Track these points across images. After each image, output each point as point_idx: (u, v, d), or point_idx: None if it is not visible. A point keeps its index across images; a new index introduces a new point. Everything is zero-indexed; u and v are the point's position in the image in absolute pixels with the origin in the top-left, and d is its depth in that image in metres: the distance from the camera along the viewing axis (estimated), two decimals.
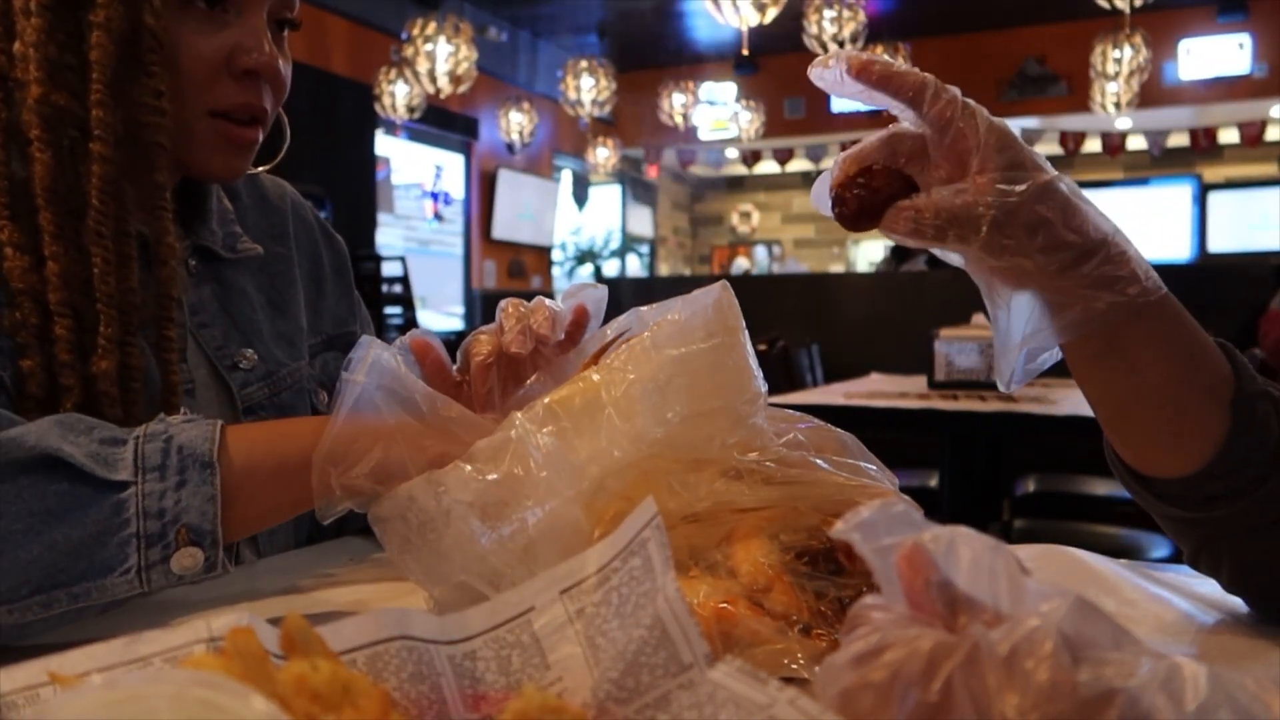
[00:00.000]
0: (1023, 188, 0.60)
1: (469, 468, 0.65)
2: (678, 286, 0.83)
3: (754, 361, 0.69)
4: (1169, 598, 0.73)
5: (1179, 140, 10.09)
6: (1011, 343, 0.65)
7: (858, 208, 0.64)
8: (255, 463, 0.72)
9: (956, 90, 0.63)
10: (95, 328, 0.81)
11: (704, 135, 10.48)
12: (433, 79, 6.45)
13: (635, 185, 12.10)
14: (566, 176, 10.99)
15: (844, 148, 0.67)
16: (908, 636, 0.33)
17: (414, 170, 8.95)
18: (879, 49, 7.23)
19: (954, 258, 0.66)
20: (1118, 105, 6.88)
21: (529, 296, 0.84)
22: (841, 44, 5.73)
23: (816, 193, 0.68)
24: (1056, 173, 0.62)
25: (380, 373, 0.70)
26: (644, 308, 0.77)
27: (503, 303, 0.82)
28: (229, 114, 0.88)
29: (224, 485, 0.70)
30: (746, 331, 0.69)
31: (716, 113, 10.09)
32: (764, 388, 0.69)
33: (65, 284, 0.80)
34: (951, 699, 0.31)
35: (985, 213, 0.60)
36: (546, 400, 0.67)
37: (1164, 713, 0.31)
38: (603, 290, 0.84)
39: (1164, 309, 0.64)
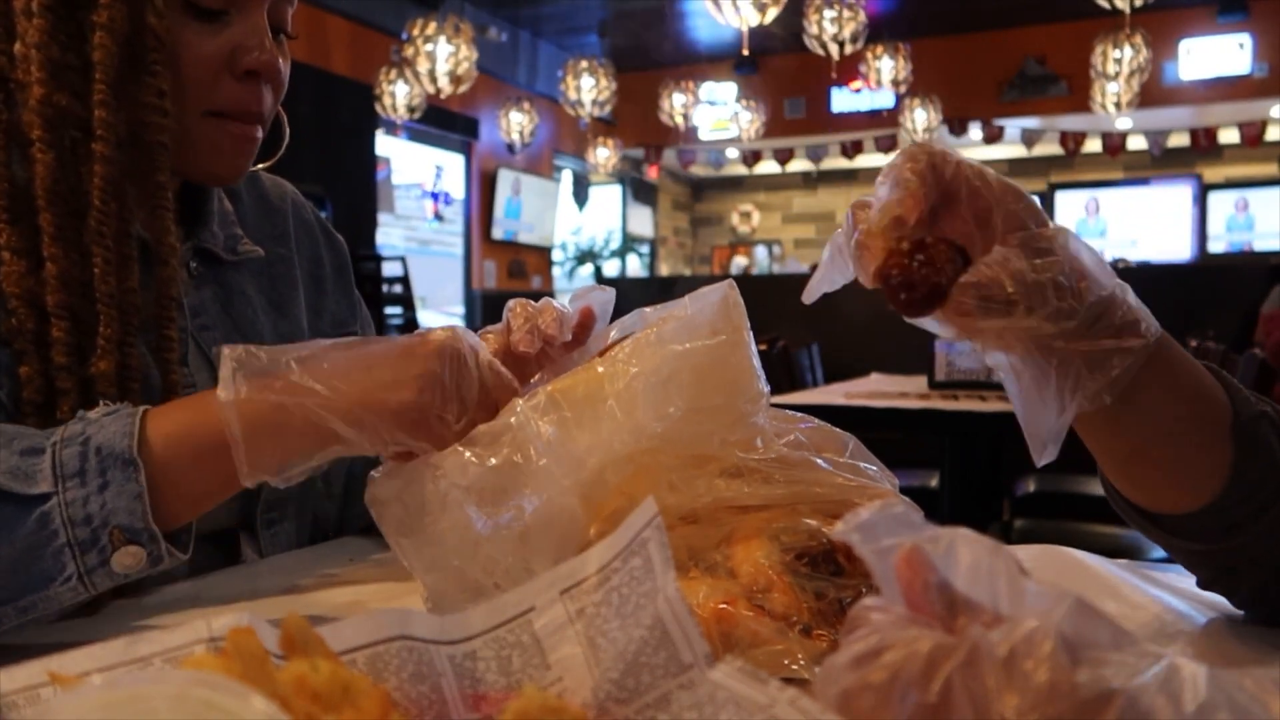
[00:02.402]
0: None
1: (468, 453, 0.65)
2: (678, 286, 0.83)
3: (757, 362, 0.69)
4: (1169, 598, 0.73)
5: (1179, 140, 10.08)
6: (1050, 425, 0.60)
7: (928, 292, 0.53)
8: (176, 449, 0.70)
9: (947, 149, 0.59)
10: (93, 330, 0.80)
11: (704, 135, 10.48)
12: (433, 79, 6.45)
13: (635, 185, 12.09)
14: (567, 176, 10.99)
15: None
16: (907, 638, 0.33)
17: (414, 170, 8.95)
18: (879, 49, 7.23)
19: (963, 344, 0.62)
20: (1118, 105, 6.89)
21: (528, 297, 0.84)
22: (841, 44, 5.72)
23: (829, 258, 0.64)
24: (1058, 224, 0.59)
25: (242, 379, 0.67)
26: (648, 308, 0.77)
27: (510, 303, 0.83)
28: (229, 114, 0.88)
29: (149, 478, 0.68)
30: (751, 331, 0.69)
31: (716, 113, 10.09)
32: (767, 388, 0.69)
33: (63, 286, 0.79)
34: (951, 700, 0.31)
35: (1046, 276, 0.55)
36: (549, 389, 0.67)
37: (1163, 713, 0.31)
38: (610, 293, 0.85)
39: (1168, 350, 0.62)
